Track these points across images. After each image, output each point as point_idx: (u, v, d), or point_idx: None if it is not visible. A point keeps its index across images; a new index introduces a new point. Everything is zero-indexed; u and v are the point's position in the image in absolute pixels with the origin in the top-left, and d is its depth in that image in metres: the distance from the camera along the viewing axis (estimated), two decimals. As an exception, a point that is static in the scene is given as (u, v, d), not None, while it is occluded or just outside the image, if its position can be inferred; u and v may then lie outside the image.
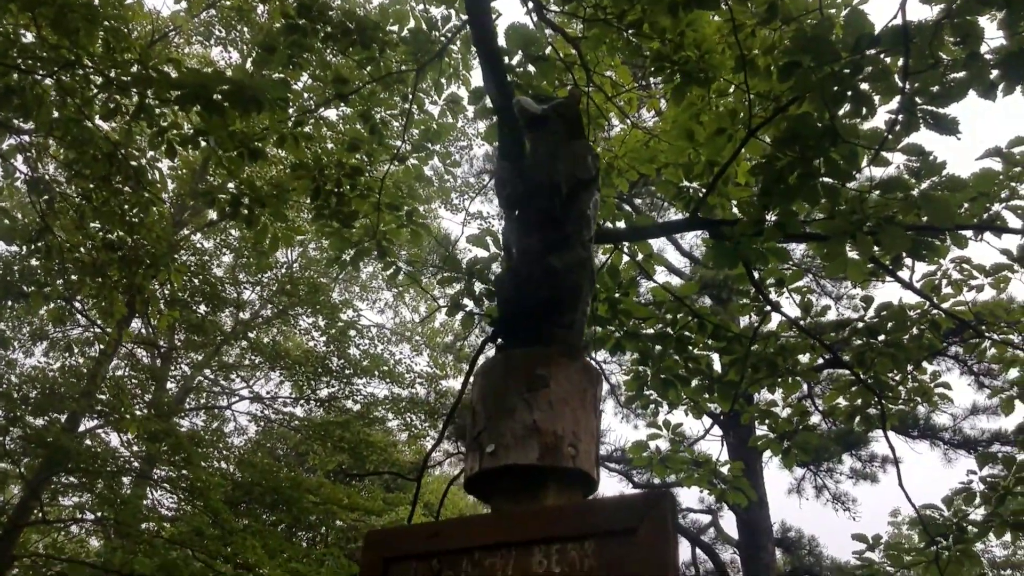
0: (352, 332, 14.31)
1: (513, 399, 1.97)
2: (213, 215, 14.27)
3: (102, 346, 11.13)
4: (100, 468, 9.93)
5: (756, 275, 5.48)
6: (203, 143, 5.22)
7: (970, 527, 6.45)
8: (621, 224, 5.97)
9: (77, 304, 10.97)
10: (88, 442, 10.52)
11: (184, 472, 9.87)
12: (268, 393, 15.73)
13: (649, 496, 1.63)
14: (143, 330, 13.13)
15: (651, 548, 1.57)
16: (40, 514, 10.91)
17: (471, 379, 2.30)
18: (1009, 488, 6.24)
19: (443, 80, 5.94)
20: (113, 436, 12.22)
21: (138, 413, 9.66)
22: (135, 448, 10.81)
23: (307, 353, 14.59)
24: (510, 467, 1.90)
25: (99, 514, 12.09)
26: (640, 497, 1.65)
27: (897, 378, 7.00)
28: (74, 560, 12.58)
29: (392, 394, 14.93)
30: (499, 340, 2.34)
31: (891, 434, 6.82)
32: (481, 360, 3.19)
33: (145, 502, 12.16)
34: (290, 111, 5.68)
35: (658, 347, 6.11)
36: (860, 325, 5.99)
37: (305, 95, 7.08)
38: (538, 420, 1.92)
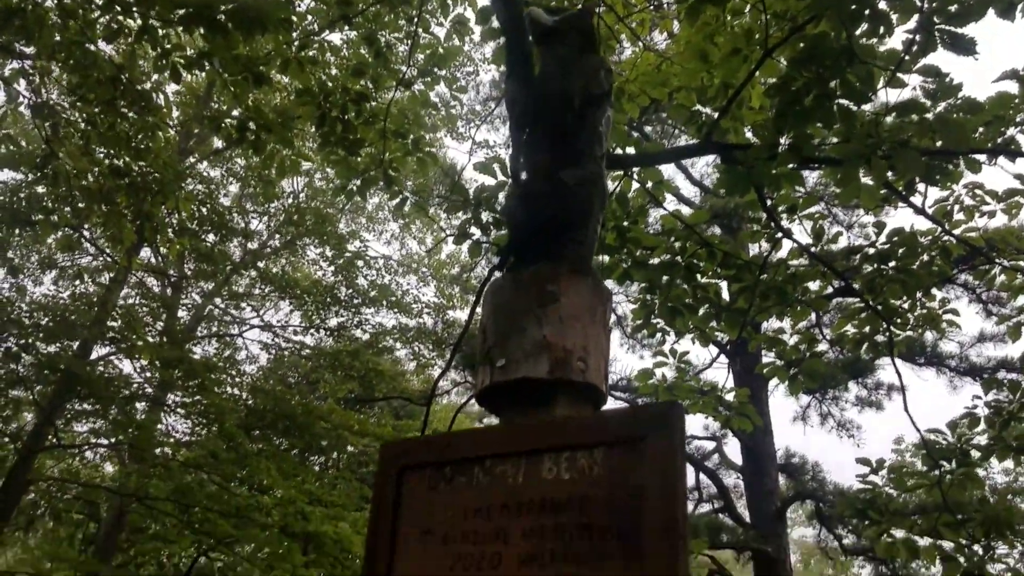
0: (359, 263, 14.34)
1: (523, 315, 1.98)
2: (219, 143, 14.21)
3: (112, 274, 11.19)
4: (114, 394, 10.10)
5: (768, 202, 5.43)
6: (207, 66, 5.14)
7: (973, 451, 6.53)
8: (631, 151, 5.89)
9: (86, 232, 11.00)
10: (100, 368, 10.67)
11: (198, 398, 10.02)
12: (278, 322, 15.86)
13: (657, 406, 1.65)
14: (153, 259, 13.19)
15: (658, 456, 1.60)
16: (54, 440, 11.14)
17: (480, 300, 2.31)
18: (1014, 413, 6.29)
19: (449, 1, 5.81)
20: (126, 364, 12.40)
21: (150, 340, 9.77)
22: (148, 375, 10.97)
23: (315, 283, 14.66)
24: (521, 381, 1.93)
25: (113, 440, 12.35)
26: (649, 408, 1.67)
27: (906, 305, 7.01)
28: (89, 484, 12.91)
29: (400, 324, 15.05)
30: (509, 261, 2.33)
31: (898, 361, 6.87)
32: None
33: (159, 427, 12.39)
34: (294, 35, 5.57)
35: (666, 276, 6.10)
36: (871, 251, 5.96)
37: (308, 17, 6.94)
38: (548, 335, 1.93)
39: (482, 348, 2.04)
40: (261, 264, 14.44)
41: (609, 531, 1.61)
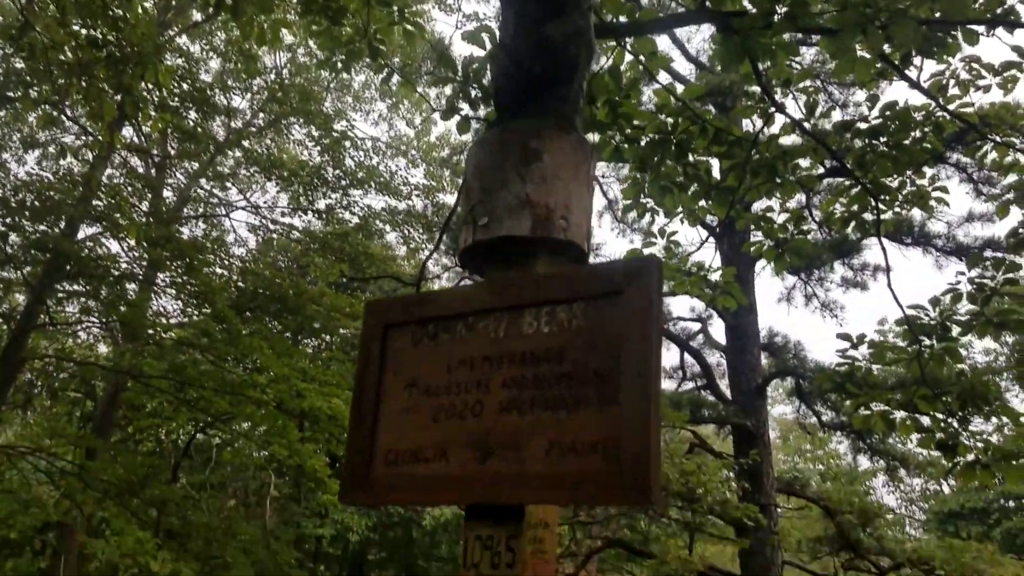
0: (347, 143, 14.13)
1: (506, 172, 1.97)
2: (198, 16, 13.70)
3: (95, 152, 11.00)
4: (104, 274, 10.12)
5: (763, 75, 5.33)
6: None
7: (954, 327, 6.64)
8: (624, 19, 5.72)
9: (67, 111, 10.74)
10: (89, 245, 10.64)
11: (187, 279, 10.06)
12: (265, 203, 15.75)
13: (635, 261, 1.68)
14: (135, 138, 12.95)
15: (635, 307, 1.63)
16: (47, 319, 11.23)
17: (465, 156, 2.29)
18: (996, 289, 6.36)
19: None
20: (114, 245, 12.37)
21: (136, 220, 9.71)
22: (136, 254, 10.97)
23: (301, 164, 14.47)
24: (503, 238, 1.94)
25: (106, 321, 12.46)
26: (627, 262, 1.69)
27: (895, 183, 7.01)
28: (84, 362, 13.12)
29: (389, 206, 14.98)
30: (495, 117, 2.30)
31: (885, 241, 6.92)
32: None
33: (151, 308, 12.48)
34: None
35: (657, 154, 6.05)
36: (863, 127, 5.90)
37: None
38: (530, 193, 1.93)
39: (465, 206, 2.04)
40: (246, 143, 14.21)
41: (586, 379, 1.66)
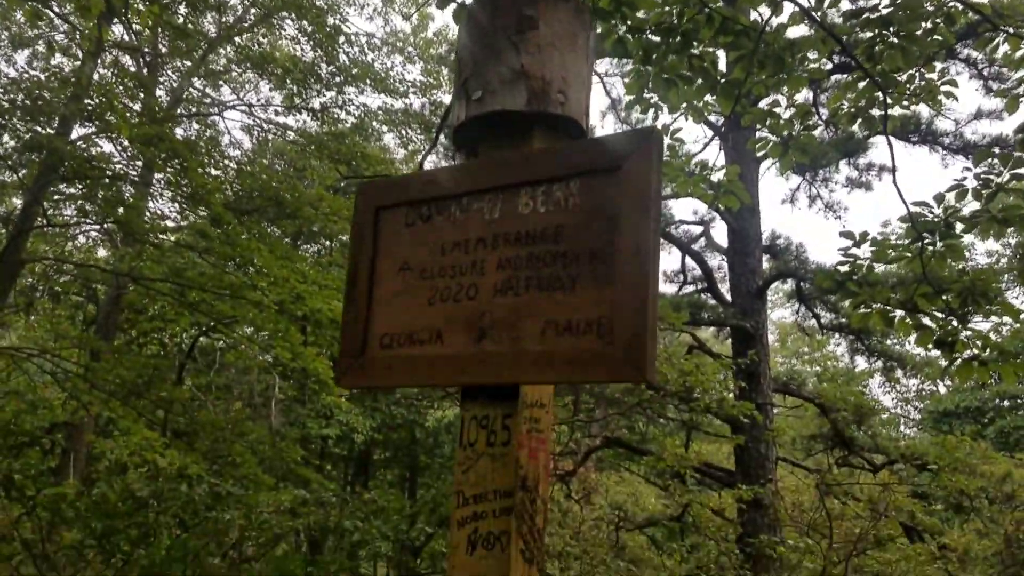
0: (340, 39, 13.71)
1: (500, 42, 1.87)
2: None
3: (85, 47, 10.69)
4: (99, 175, 9.99)
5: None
6: None
7: (958, 224, 6.57)
8: None
9: (55, 6, 10.38)
10: (82, 146, 10.47)
11: (183, 179, 9.93)
12: (259, 101, 15.42)
13: (635, 133, 1.60)
14: (125, 36, 12.58)
15: (634, 182, 1.57)
16: (43, 221, 11.14)
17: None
18: (1002, 185, 6.26)
19: None
20: (107, 145, 12.17)
21: (128, 118, 9.50)
22: (130, 154, 10.80)
23: (294, 61, 14.08)
24: (497, 114, 1.86)
25: (103, 222, 12.37)
26: (626, 135, 1.62)
27: (904, 77, 6.84)
28: (83, 264, 13.10)
29: (385, 105, 14.67)
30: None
31: (891, 139, 6.79)
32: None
33: (148, 210, 12.38)
34: None
35: (662, 44, 5.88)
36: (873, 16, 5.69)
37: None
38: (526, 64, 1.83)
39: (457, 80, 1.94)
40: (238, 40, 13.80)
41: (582, 257, 1.61)
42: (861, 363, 28.64)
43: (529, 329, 1.63)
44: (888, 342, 19.89)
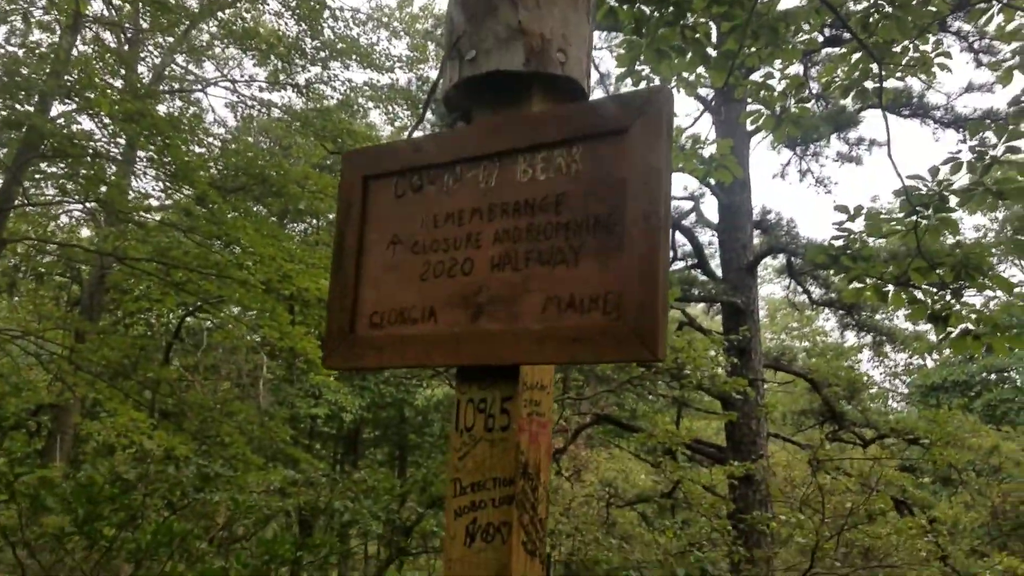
0: (325, 13, 13.44)
1: (495, -3, 1.74)
2: None
3: (63, 21, 10.43)
4: (80, 152, 9.77)
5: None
6: None
7: (952, 197, 6.51)
8: None
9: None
10: (61, 123, 10.24)
11: (166, 157, 9.73)
12: (242, 76, 15.16)
13: (643, 92, 1.48)
14: (105, 11, 12.29)
15: (643, 145, 1.45)
16: (24, 200, 10.91)
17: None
18: (997, 157, 6.19)
19: None
20: (89, 123, 11.93)
21: (109, 93, 9.28)
22: (112, 130, 10.57)
23: (278, 36, 13.79)
24: (492, 74, 1.73)
25: (86, 203, 12.15)
26: (633, 94, 1.50)
27: (898, 49, 6.78)
28: (66, 243, 12.89)
29: (371, 81, 14.42)
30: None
31: (885, 112, 6.71)
32: None
33: (132, 190, 12.17)
34: None
35: (655, 13, 5.76)
36: (870, -16, 5.58)
37: None
38: (523, 21, 1.71)
39: (449, 41, 1.82)
40: (221, 15, 13.51)
41: (586, 227, 1.50)
42: (851, 338, 28.74)
43: (529, 306, 1.52)
44: (877, 317, 19.96)
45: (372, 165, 1.83)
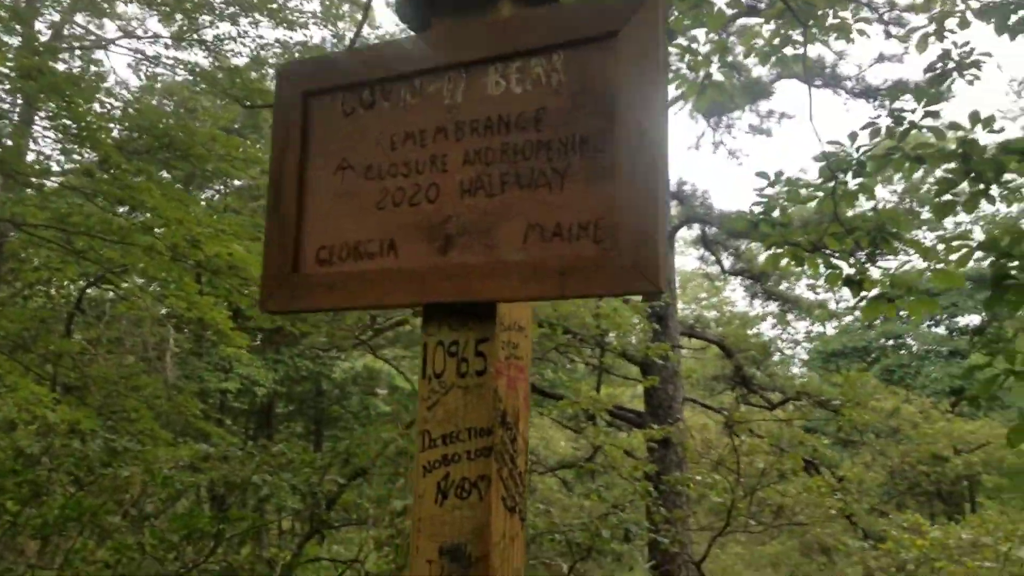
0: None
1: None
2: None
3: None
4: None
5: None
6: None
7: (870, 163, 6.64)
8: None
9: None
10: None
11: (65, 116, 9.05)
12: (147, 32, 14.28)
13: (637, -8, 1.31)
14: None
15: (636, 50, 1.29)
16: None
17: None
18: (916, 123, 6.30)
19: None
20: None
21: (4, 51, 8.55)
22: (6, 87, 9.78)
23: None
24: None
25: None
26: (623, -6, 1.32)
27: (819, 13, 6.87)
28: (-46, 209, 11.96)
29: (283, 39, 13.77)
30: None
31: (796, 82, 6.75)
32: None
33: (31, 155, 11.39)
34: None
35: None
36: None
37: None
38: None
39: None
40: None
41: (571, 146, 1.33)
42: (758, 307, 29.64)
43: (507, 235, 1.34)
44: (783, 286, 20.62)
45: (314, 79, 1.59)
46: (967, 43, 6.58)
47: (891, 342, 27.68)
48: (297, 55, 13.36)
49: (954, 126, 5.93)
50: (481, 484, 1.31)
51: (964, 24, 6.77)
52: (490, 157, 1.39)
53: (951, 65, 6.75)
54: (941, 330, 27.98)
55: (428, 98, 1.47)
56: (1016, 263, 5.10)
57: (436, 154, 1.44)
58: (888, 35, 12.12)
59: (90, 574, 4.37)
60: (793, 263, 7.08)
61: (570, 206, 1.30)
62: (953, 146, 5.95)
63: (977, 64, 6.63)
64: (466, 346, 1.38)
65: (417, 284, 1.40)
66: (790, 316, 29.03)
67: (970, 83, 6.83)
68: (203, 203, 16.97)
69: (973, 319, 26.99)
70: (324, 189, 1.54)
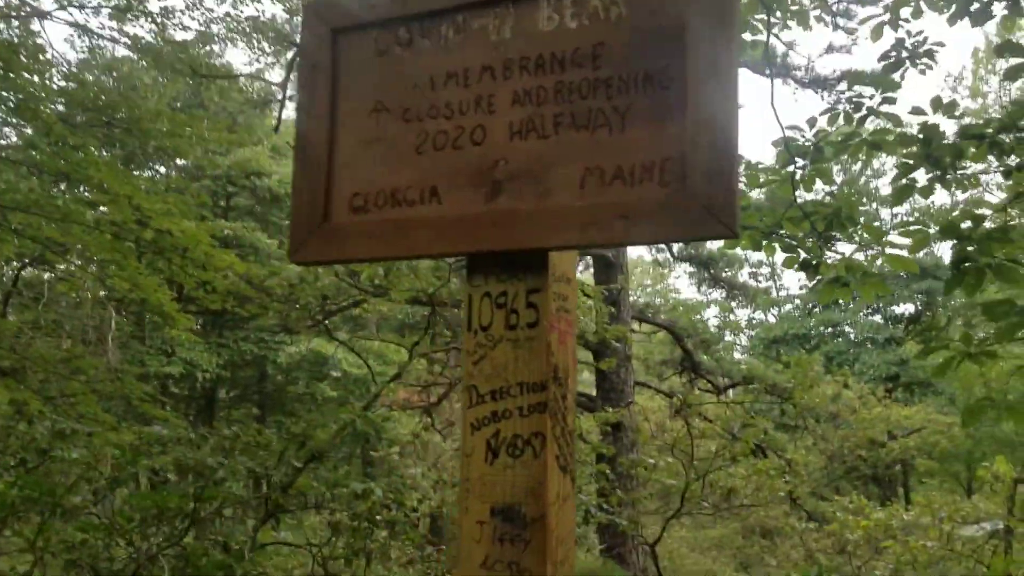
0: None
1: None
2: None
3: None
4: None
5: None
6: None
7: (828, 149, 6.71)
8: None
9: None
10: None
11: (2, 87, 8.62)
12: (89, 3, 13.70)
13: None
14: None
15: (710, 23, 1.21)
16: None
17: None
18: (874, 108, 6.39)
19: None
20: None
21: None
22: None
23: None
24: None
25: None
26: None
27: (783, -1, 6.88)
28: None
29: (234, 14, 13.34)
30: None
31: (747, 72, 6.79)
32: None
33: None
34: None
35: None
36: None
37: None
38: None
39: None
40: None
41: (633, 84, 1.25)
42: (703, 293, 30.09)
43: (563, 179, 1.27)
44: (726, 272, 20.97)
45: (344, 16, 1.49)
46: (921, 32, 6.68)
47: (830, 330, 28.38)
48: (247, 30, 13.00)
49: (916, 111, 6.02)
50: (535, 442, 1.24)
51: (918, 13, 6.88)
52: (542, 98, 1.31)
53: (904, 54, 6.84)
54: (878, 318, 28.78)
55: (472, 35, 1.39)
56: (974, 247, 5.20)
57: (482, 94, 1.35)
58: (836, 27, 12.32)
59: (53, 555, 4.21)
60: (750, 247, 7.13)
61: (632, 147, 1.23)
62: (914, 131, 6.04)
63: (931, 54, 6.74)
64: (516, 297, 1.30)
65: (463, 232, 1.31)
66: (734, 303, 29.53)
67: (922, 72, 6.93)
68: (144, 183, 16.44)
69: (908, 308, 27.85)
70: (357, 133, 1.44)
